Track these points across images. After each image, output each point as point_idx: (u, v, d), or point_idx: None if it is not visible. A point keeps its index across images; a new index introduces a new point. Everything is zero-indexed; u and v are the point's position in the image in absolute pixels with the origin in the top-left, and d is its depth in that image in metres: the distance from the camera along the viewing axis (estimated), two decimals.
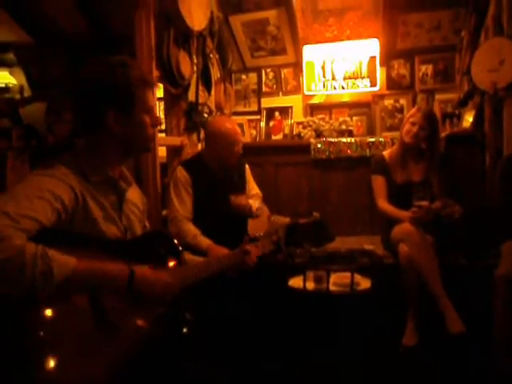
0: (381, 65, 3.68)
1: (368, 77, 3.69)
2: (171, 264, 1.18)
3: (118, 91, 1.12)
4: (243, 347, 1.28)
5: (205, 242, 2.03)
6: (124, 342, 0.97)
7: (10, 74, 4.17)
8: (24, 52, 3.89)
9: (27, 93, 4.10)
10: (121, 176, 1.23)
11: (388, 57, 3.72)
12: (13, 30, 3.57)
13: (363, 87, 3.72)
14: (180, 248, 1.23)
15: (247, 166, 2.46)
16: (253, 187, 2.45)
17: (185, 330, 1.09)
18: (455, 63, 3.54)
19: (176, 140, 2.64)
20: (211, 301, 1.44)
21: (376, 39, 3.65)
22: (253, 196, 2.39)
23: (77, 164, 1.08)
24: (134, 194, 1.28)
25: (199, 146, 2.83)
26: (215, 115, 2.98)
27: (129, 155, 1.23)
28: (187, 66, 2.61)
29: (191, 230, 2.09)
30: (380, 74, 3.68)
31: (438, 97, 3.60)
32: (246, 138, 3.72)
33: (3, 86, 4.15)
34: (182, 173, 2.21)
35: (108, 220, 1.11)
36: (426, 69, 3.63)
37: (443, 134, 3.00)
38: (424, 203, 2.27)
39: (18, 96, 4.11)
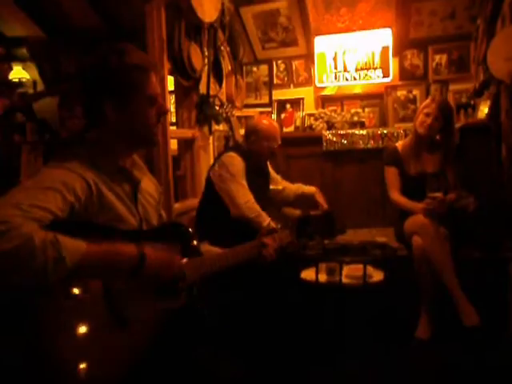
0: (393, 55, 3.62)
1: (380, 67, 3.63)
2: (187, 255, 1.18)
3: (112, 79, 1.09)
4: (255, 338, 1.28)
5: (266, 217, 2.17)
6: (137, 331, 0.97)
7: (24, 68, 4.21)
8: (37, 47, 3.92)
9: (40, 87, 4.14)
10: (134, 165, 1.22)
11: (401, 47, 3.66)
12: (26, 25, 3.61)
13: (375, 78, 3.67)
14: (196, 240, 1.22)
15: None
16: (275, 174, 2.61)
17: (198, 318, 1.09)
18: (470, 52, 3.46)
19: (187, 132, 2.65)
20: (224, 291, 1.44)
21: (389, 29, 3.59)
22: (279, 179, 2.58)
23: (88, 156, 1.08)
24: (148, 184, 1.27)
25: (211, 139, 2.83)
26: (226, 107, 2.97)
27: (134, 147, 1.20)
28: (198, 58, 2.60)
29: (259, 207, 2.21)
30: (393, 64, 3.62)
31: (452, 87, 3.54)
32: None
33: (17, 80, 4.20)
34: (237, 159, 2.32)
35: (125, 210, 1.11)
36: (440, 58, 3.56)
37: (458, 125, 2.96)
38: (438, 194, 2.25)
39: (31, 91, 4.15)
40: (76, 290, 0.91)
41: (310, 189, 2.55)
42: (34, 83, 4.27)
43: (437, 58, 3.57)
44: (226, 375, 1.05)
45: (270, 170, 2.59)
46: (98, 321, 0.93)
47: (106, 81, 1.09)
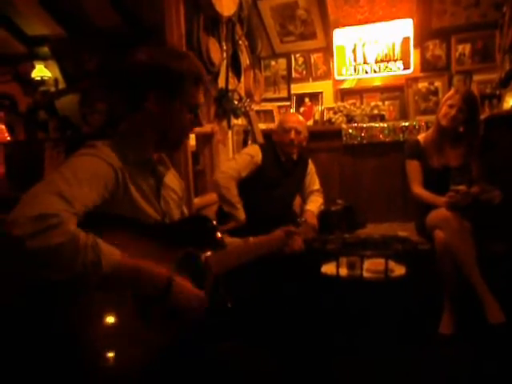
0: (415, 46, 3.54)
1: (401, 59, 3.56)
2: (210, 248, 1.18)
3: (167, 75, 1.11)
4: (277, 331, 1.28)
5: (243, 215, 2.18)
6: (161, 329, 0.98)
7: (45, 67, 4.28)
8: (58, 45, 3.98)
9: (61, 85, 4.21)
10: (159, 160, 1.23)
11: (422, 37, 3.58)
12: (48, 24, 3.66)
13: (396, 70, 3.60)
14: (220, 233, 1.23)
15: (310, 162, 2.60)
16: (314, 183, 2.58)
17: (223, 311, 1.09)
18: (495, 41, 3.36)
19: (206, 127, 2.65)
20: (244, 284, 1.44)
21: (410, 19, 3.51)
22: (312, 193, 2.53)
23: (117, 145, 1.09)
24: (172, 180, 1.28)
25: (229, 133, 2.83)
26: (245, 102, 2.97)
27: (162, 144, 1.20)
28: (217, 52, 2.60)
29: (237, 193, 2.24)
30: (414, 55, 3.55)
31: (476, 78, 3.44)
32: (276, 125, 3.69)
33: (39, 79, 4.27)
34: (255, 148, 2.40)
35: (147, 203, 1.11)
36: (464, 48, 3.47)
37: (482, 117, 2.88)
38: (462, 187, 2.20)
39: (52, 88, 4.23)
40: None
41: (308, 213, 2.38)
42: (56, 81, 4.34)
43: (460, 47, 3.48)
44: (250, 369, 1.05)
45: (311, 175, 2.56)
46: (125, 313, 0.94)
47: (159, 75, 1.11)
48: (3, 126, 3.49)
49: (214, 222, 1.22)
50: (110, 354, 0.88)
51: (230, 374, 1.02)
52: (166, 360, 0.96)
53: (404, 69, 3.57)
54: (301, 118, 2.50)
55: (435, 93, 3.55)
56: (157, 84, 1.11)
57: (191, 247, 1.13)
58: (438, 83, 3.55)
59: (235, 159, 2.35)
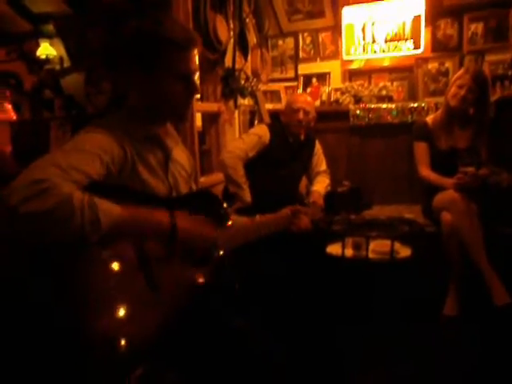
0: (426, 25, 3.45)
1: (411, 38, 3.48)
2: (217, 224, 1.17)
3: (142, 49, 1.06)
4: (284, 310, 1.29)
5: (248, 196, 2.18)
6: (169, 296, 0.99)
7: (51, 45, 4.24)
8: (63, 23, 3.93)
9: (66, 63, 4.18)
10: (167, 134, 1.22)
11: (434, 16, 3.48)
12: (53, 1, 3.61)
13: (406, 50, 3.52)
14: (227, 209, 1.22)
15: (318, 143, 2.59)
16: (321, 164, 2.57)
17: (230, 286, 1.10)
18: (509, 20, 3.27)
19: (213, 106, 2.63)
20: (253, 262, 1.45)
21: None
22: (319, 174, 2.53)
23: (122, 122, 1.08)
24: (180, 155, 1.27)
25: (236, 113, 2.81)
26: (252, 81, 2.93)
27: (163, 117, 1.18)
28: (224, 30, 2.56)
29: (243, 173, 2.23)
30: (425, 34, 3.46)
31: (488, 58, 3.35)
32: (283, 106, 3.66)
33: (44, 57, 4.24)
34: (263, 128, 2.38)
35: (155, 178, 1.11)
36: (476, 27, 3.37)
37: (493, 98, 2.83)
38: (470, 169, 2.17)
39: (58, 67, 4.19)
40: (113, 253, 0.92)
41: (315, 194, 2.41)
42: (61, 59, 4.31)
43: (472, 26, 3.38)
44: (256, 343, 1.06)
45: (318, 155, 2.56)
46: (133, 283, 0.94)
47: (135, 49, 1.07)
48: (9, 105, 3.48)
49: (221, 199, 1.22)
50: (121, 322, 0.88)
51: (239, 349, 1.03)
52: (178, 327, 0.97)
53: (414, 48, 3.49)
54: (309, 98, 2.47)
55: (445, 74, 3.48)
56: (137, 60, 1.07)
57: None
58: (448, 64, 3.48)
59: (242, 139, 2.33)
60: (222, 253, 1.13)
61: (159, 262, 0.99)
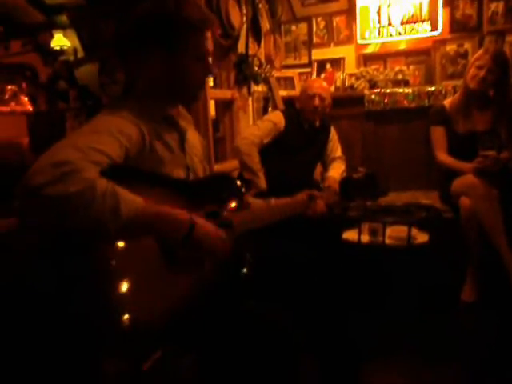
0: (443, 5, 3.35)
1: (429, 19, 3.39)
2: (233, 206, 1.18)
3: (163, 29, 1.06)
4: (300, 293, 1.29)
5: (263, 183, 2.17)
6: (188, 277, 0.99)
7: (64, 36, 4.26)
8: (76, 13, 3.95)
9: (80, 54, 4.20)
10: (179, 115, 1.22)
11: None
12: None
13: (423, 32, 3.44)
14: (243, 191, 1.22)
15: (333, 128, 2.56)
16: (336, 150, 2.54)
17: (245, 270, 1.10)
18: None
19: (226, 93, 2.62)
20: (268, 246, 1.45)
21: None
22: (334, 160, 2.51)
23: (137, 105, 1.08)
24: (193, 136, 1.27)
25: (250, 100, 2.79)
26: (265, 68, 2.90)
27: (178, 98, 1.18)
28: (237, 15, 2.53)
29: (259, 160, 2.22)
30: (442, 15, 3.36)
31: (509, 38, 3.23)
32: (297, 92, 3.62)
33: (58, 48, 4.26)
34: (278, 115, 2.37)
35: (173, 159, 1.11)
36: (497, 6, 3.24)
37: None
38: (491, 153, 2.12)
39: (72, 58, 4.22)
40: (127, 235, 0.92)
41: (330, 179, 2.37)
42: (75, 50, 4.32)
43: (493, 5, 3.26)
44: (274, 323, 1.06)
45: (334, 142, 2.53)
46: (151, 258, 0.94)
47: (156, 29, 1.06)
48: (25, 98, 3.51)
49: (239, 182, 1.22)
50: (135, 305, 0.88)
51: (255, 333, 1.04)
52: (191, 310, 0.97)
53: (431, 30, 3.40)
54: (325, 84, 2.44)
55: (464, 55, 3.38)
56: (157, 40, 1.07)
57: (215, 205, 1.13)
58: (467, 45, 3.37)
59: (257, 125, 2.32)
60: (237, 235, 1.12)
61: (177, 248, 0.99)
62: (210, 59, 1.16)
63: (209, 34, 1.12)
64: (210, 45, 1.13)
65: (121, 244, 0.90)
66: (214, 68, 1.19)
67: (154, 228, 0.94)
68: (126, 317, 0.86)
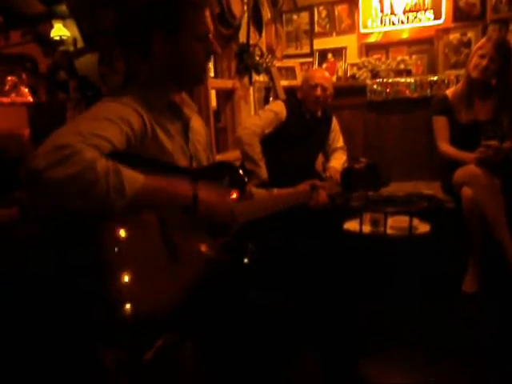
0: None
1: (432, 8, 3.36)
2: (235, 196, 1.17)
3: (163, 11, 1.05)
4: (302, 283, 1.29)
5: (265, 173, 2.17)
6: (189, 268, 0.99)
7: (64, 26, 4.22)
8: (75, 3, 3.91)
9: (80, 44, 4.17)
10: (183, 103, 1.21)
11: None
12: None
13: (425, 21, 3.40)
14: (246, 180, 1.21)
15: (335, 119, 2.55)
16: (338, 140, 2.53)
17: (247, 260, 1.10)
18: None
19: (228, 83, 2.60)
20: (267, 234, 1.46)
21: None
22: (336, 150, 2.50)
23: (140, 93, 1.08)
24: (197, 123, 1.26)
25: (251, 90, 2.77)
26: (266, 58, 2.88)
27: (181, 84, 1.18)
28: (238, 5, 2.51)
29: (260, 150, 2.21)
30: (446, 3, 3.33)
31: None
32: (298, 82, 3.60)
33: (58, 38, 4.23)
34: (279, 105, 2.35)
35: (176, 147, 1.10)
36: None
37: None
38: (493, 143, 2.11)
39: (71, 48, 4.19)
40: (136, 223, 0.92)
41: (332, 169, 2.37)
42: (74, 40, 4.29)
43: None
44: (276, 313, 1.06)
45: (335, 132, 2.52)
46: (152, 249, 0.94)
47: (157, 12, 1.06)
48: (26, 89, 3.49)
49: (241, 171, 1.21)
50: (136, 295, 0.88)
51: (257, 322, 1.04)
52: (193, 300, 0.97)
53: (434, 19, 3.37)
54: (327, 73, 2.42)
55: (467, 44, 3.34)
56: (158, 24, 1.06)
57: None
58: (470, 34, 3.34)
59: (259, 115, 2.31)
60: (240, 225, 1.12)
61: (180, 232, 0.98)
62: (212, 37, 1.15)
63: (207, 13, 1.11)
64: (209, 24, 1.15)
65: (122, 234, 0.90)
66: (217, 47, 1.17)
67: (157, 201, 0.94)
68: (128, 307, 0.86)
